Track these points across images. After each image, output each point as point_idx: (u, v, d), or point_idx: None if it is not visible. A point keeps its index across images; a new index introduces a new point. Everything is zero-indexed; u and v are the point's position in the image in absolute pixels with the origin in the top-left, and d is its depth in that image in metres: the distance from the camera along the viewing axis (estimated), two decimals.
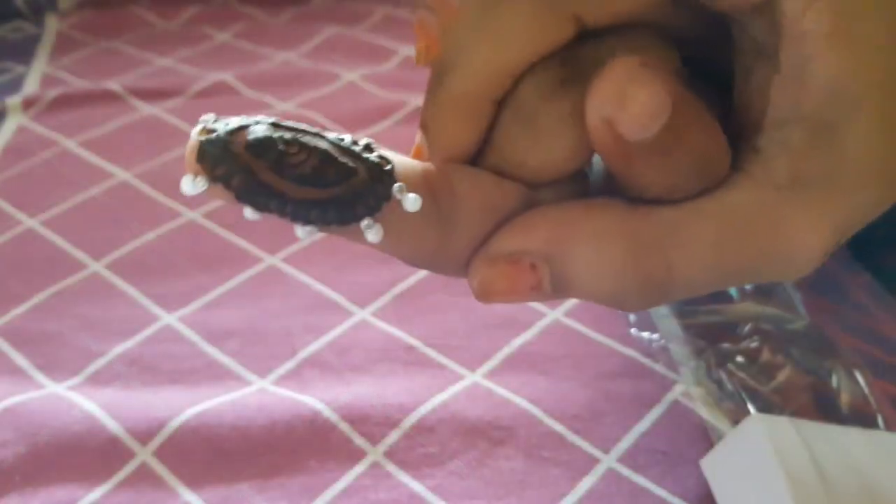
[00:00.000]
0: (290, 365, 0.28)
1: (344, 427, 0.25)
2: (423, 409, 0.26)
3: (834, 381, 0.27)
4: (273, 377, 0.28)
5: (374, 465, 0.24)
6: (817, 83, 0.13)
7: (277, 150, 0.13)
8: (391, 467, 0.24)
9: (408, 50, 0.48)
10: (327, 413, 0.25)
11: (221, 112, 0.47)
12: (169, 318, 0.30)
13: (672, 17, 0.15)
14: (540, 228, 0.15)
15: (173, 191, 0.37)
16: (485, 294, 0.15)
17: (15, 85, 0.46)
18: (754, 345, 0.28)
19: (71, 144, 0.40)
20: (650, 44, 0.15)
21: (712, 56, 0.16)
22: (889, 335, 0.29)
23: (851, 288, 0.31)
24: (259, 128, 0.13)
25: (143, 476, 0.24)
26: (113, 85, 0.45)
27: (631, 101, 0.13)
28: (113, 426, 0.25)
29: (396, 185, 0.14)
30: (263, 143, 0.13)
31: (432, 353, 0.28)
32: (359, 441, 0.25)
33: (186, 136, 0.41)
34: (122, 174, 0.38)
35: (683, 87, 0.13)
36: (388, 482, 0.24)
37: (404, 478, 0.24)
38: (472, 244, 0.15)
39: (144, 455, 0.25)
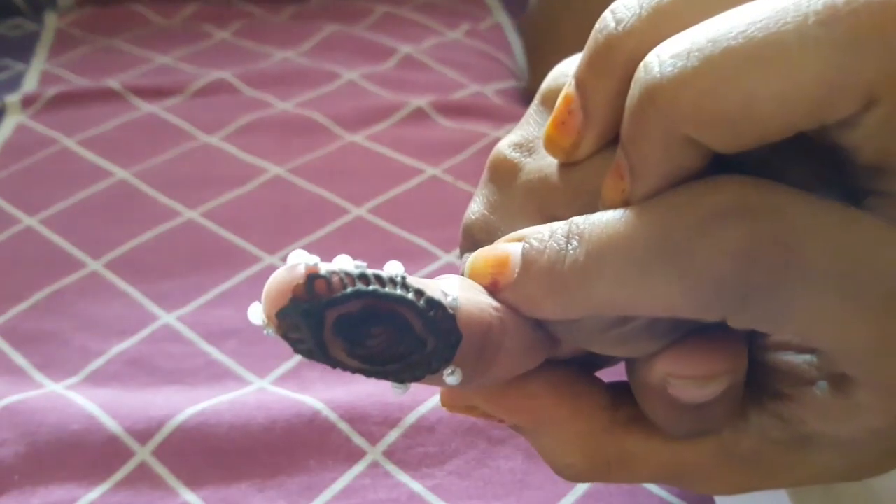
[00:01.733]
0: (289, 365, 0.28)
1: (343, 427, 0.25)
2: (423, 409, 0.26)
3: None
4: (272, 377, 0.28)
5: (374, 465, 0.24)
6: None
7: (359, 337, 0.13)
8: (390, 467, 0.24)
9: (407, 48, 0.48)
10: (326, 413, 0.25)
11: (221, 112, 0.47)
12: (168, 318, 0.30)
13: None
14: (528, 406, 0.16)
15: (172, 190, 0.37)
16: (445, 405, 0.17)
17: (14, 83, 0.46)
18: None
19: (70, 143, 0.40)
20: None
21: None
22: None
23: None
24: (353, 303, 0.12)
25: (142, 475, 0.24)
26: (112, 83, 0.45)
27: (692, 385, 0.14)
28: (112, 425, 0.25)
29: (448, 369, 0.14)
30: (350, 329, 0.13)
31: None
32: (358, 441, 0.25)
33: (186, 134, 0.41)
34: (121, 173, 0.38)
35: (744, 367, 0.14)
36: (388, 482, 0.24)
37: (403, 477, 0.24)
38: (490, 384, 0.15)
39: (143, 454, 0.25)
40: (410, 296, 0.13)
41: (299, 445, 0.25)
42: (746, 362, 0.14)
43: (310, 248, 0.34)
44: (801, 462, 0.14)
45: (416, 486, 0.24)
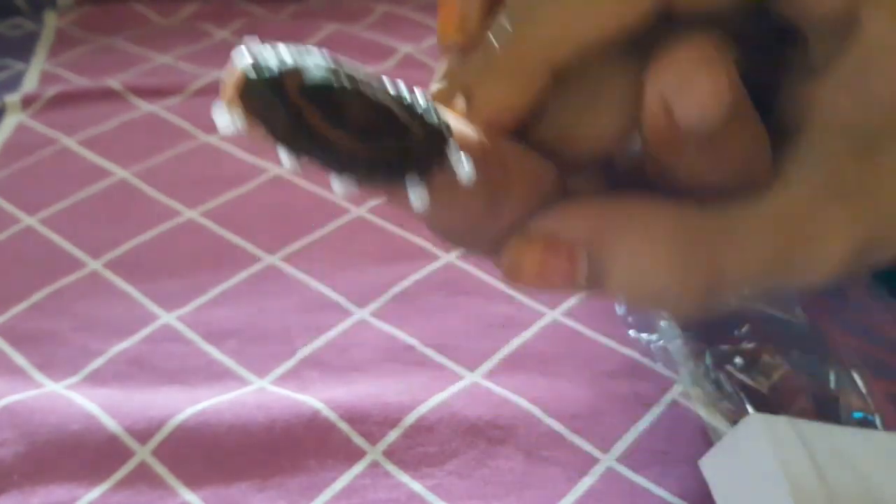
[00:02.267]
0: (289, 364, 0.28)
1: (343, 426, 0.25)
2: (423, 409, 0.26)
3: (832, 381, 0.27)
4: (272, 377, 0.28)
5: (373, 465, 0.24)
6: (876, 97, 0.13)
7: (335, 98, 0.11)
8: (390, 467, 0.24)
9: (407, 48, 0.48)
10: (326, 412, 0.25)
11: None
12: (168, 318, 0.30)
13: (741, 16, 0.14)
14: (585, 215, 0.14)
15: (172, 189, 0.37)
16: (513, 275, 0.14)
17: (14, 82, 0.46)
18: (753, 345, 0.28)
19: (70, 142, 0.40)
20: (719, 39, 0.14)
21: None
22: (889, 335, 0.29)
23: (851, 287, 0.31)
24: (316, 71, 0.12)
25: (142, 475, 0.24)
26: (112, 82, 0.45)
27: (694, 87, 0.12)
28: (112, 425, 0.25)
29: (453, 152, 0.12)
30: (321, 90, 0.11)
31: (431, 353, 0.28)
32: (358, 440, 0.25)
33: (186, 134, 0.41)
34: (121, 172, 0.38)
35: (741, 83, 0.13)
36: (388, 482, 0.24)
37: (403, 477, 0.24)
38: (514, 223, 0.14)
39: (143, 454, 0.25)
40: (388, 88, 0.12)
41: (299, 445, 0.25)
42: (743, 90, 0.13)
43: (310, 249, 0.34)
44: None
45: (416, 486, 0.24)
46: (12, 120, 0.42)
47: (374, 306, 0.30)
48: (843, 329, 0.29)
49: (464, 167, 0.12)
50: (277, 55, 0.12)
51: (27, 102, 0.43)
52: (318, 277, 0.32)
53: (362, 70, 0.12)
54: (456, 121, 0.13)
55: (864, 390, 0.27)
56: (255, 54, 0.12)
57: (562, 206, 0.14)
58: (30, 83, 0.46)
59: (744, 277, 0.14)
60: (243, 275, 0.32)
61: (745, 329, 0.28)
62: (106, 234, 0.34)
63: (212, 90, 0.44)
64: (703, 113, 0.12)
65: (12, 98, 0.43)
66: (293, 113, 0.11)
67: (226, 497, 0.24)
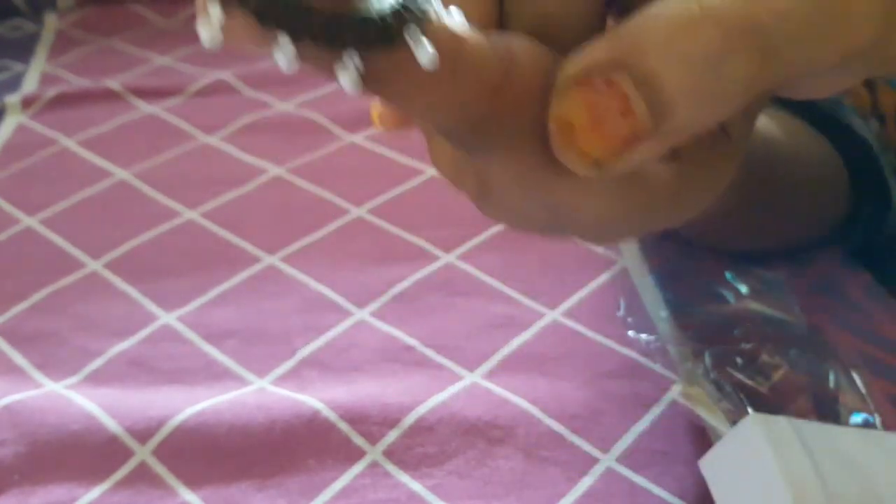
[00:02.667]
0: (288, 365, 0.28)
1: (343, 427, 0.25)
2: (422, 409, 0.26)
3: (831, 381, 0.27)
4: (272, 377, 0.28)
5: (373, 465, 0.24)
6: None
7: None
8: (390, 467, 0.24)
9: None
10: (326, 413, 0.25)
11: (222, 112, 0.47)
12: (167, 318, 0.30)
13: None
14: (605, 40, 0.12)
15: (172, 190, 0.37)
16: (566, 136, 0.12)
17: (14, 83, 0.46)
18: (752, 346, 0.28)
19: (70, 143, 0.40)
20: None
21: None
22: (888, 335, 0.29)
23: (851, 288, 0.31)
24: None
25: (142, 475, 0.24)
26: (112, 83, 0.45)
27: None
28: (112, 425, 0.25)
29: (413, 33, 0.12)
30: None
31: (431, 353, 0.28)
32: (358, 441, 0.25)
33: (186, 135, 0.41)
34: (120, 173, 0.38)
35: None
36: (387, 482, 0.24)
37: (403, 477, 0.24)
38: (534, 96, 0.13)
39: (143, 454, 0.25)
40: None
41: (299, 445, 0.25)
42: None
43: (310, 249, 0.34)
44: None
45: (415, 486, 0.24)
46: (12, 121, 0.42)
47: (373, 307, 0.30)
48: (842, 329, 0.29)
49: (425, 49, 0.12)
50: None
51: (27, 103, 0.43)
52: (318, 278, 0.32)
53: None
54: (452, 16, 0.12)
55: (863, 390, 0.27)
56: None
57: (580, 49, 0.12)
58: (30, 84, 0.46)
59: (787, 29, 0.12)
60: (243, 275, 0.32)
61: (744, 329, 0.28)
62: (106, 235, 0.34)
63: (212, 91, 0.44)
64: None
65: (12, 99, 0.44)
66: None
67: (226, 497, 0.24)
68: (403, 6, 0.12)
